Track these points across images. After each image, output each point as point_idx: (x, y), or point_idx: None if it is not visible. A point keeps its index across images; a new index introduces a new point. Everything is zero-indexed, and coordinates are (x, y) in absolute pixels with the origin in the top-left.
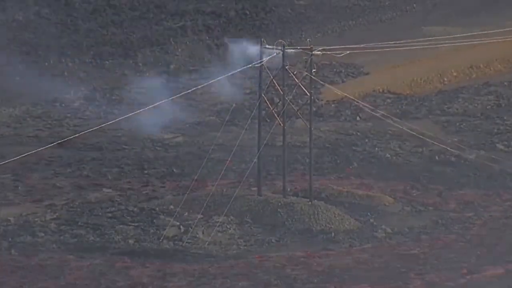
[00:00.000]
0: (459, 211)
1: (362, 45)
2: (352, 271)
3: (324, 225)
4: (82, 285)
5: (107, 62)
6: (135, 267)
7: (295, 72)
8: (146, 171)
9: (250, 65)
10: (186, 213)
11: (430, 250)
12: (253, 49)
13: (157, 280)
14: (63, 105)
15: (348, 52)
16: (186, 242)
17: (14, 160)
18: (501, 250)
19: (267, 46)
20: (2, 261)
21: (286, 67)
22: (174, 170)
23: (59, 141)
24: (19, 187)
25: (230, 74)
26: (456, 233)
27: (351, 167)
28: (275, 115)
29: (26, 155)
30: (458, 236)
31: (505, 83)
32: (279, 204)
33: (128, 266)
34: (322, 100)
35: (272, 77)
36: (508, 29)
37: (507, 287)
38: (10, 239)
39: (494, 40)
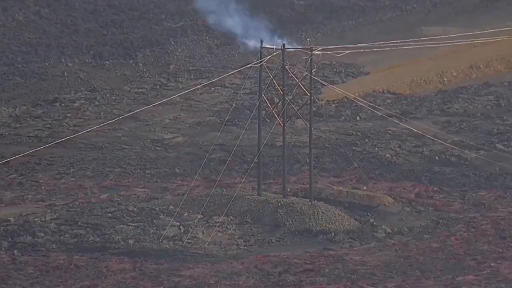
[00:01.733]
0: (461, 211)
1: (362, 45)
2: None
3: (324, 225)
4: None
5: (107, 62)
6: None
7: (295, 72)
8: (149, 171)
9: (249, 65)
10: (186, 213)
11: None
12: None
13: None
14: (63, 105)
15: (348, 52)
16: (186, 242)
17: (14, 158)
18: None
19: (266, 45)
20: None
21: (286, 66)
22: (177, 170)
23: (59, 141)
24: (28, 186)
25: (229, 73)
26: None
27: (352, 167)
28: (275, 115)
29: (27, 154)
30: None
31: (505, 83)
32: (279, 204)
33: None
34: (322, 100)
35: (272, 77)
36: (507, 28)
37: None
38: (10, 239)
39: (494, 40)
